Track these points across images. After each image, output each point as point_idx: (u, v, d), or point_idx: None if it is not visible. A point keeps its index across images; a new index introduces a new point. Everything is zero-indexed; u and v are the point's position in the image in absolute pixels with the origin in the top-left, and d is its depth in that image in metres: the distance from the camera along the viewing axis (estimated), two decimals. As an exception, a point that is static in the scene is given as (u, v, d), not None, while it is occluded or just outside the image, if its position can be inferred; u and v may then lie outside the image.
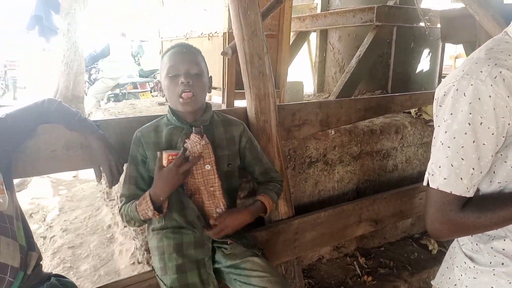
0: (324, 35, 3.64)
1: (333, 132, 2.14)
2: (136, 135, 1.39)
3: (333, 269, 2.23)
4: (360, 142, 2.23)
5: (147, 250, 1.84)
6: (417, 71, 3.25)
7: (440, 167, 0.84)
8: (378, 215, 2.12)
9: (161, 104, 3.16)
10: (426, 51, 3.25)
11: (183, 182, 1.31)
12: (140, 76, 7.43)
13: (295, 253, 1.89)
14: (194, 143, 1.33)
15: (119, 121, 1.52)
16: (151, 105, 3.20)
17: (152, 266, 1.44)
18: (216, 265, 1.42)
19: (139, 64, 7.78)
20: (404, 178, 2.48)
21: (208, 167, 1.36)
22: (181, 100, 1.31)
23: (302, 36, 3.87)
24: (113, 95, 6.68)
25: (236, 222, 1.38)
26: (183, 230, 1.37)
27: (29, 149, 1.32)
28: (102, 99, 6.66)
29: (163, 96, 3.37)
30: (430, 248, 2.44)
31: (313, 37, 4.04)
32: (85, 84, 6.68)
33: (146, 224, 1.44)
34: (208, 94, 1.71)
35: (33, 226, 3.24)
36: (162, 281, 1.35)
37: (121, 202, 1.37)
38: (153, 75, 7.62)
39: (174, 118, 1.38)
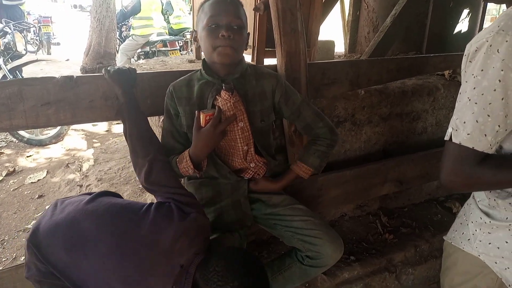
0: (358, -8, 3.51)
1: (363, 92, 2.13)
2: (169, 90, 1.39)
3: (355, 226, 2.29)
4: (390, 103, 2.21)
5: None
6: (455, 32, 3.11)
7: (464, 122, 0.84)
8: (404, 176, 2.14)
9: (191, 61, 3.19)
10: (465, 11, 3.09)
11: (222, 141, 1.33)
12: (170, 34, 7.43)
13: (318, 209, 1.96)
14: (225, 100, 1.32)
15: (152, 75, 1.56)
16: (182, 62, 3.24)
17: None
18: (255, 213, 1.50)
19: (168, 22, 7.75)
20: (433, 142, 2.46)
21: (241, 124, 1.36)
22: (218, 50, 1.27)
23: (336, -6, 3.74)
24: (143, 52, 6.74)
25: (266, 190, 1.47)
26: (219, 180, 1.44)
27: (69, 99, 1.39)
28: (133, 57, 6.74)
29: (199, 48, 3.40)
30: (454, 211, 2.45)
31: (347, -5, 3.91)
32: (117, 41, 6.77)
33: None
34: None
35: (69, 175, 3.45)
36: None
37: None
38: (182, 33, 7.60)
39: (206, 72, 1.36)
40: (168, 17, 7.87)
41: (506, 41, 0.77)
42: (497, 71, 0.78)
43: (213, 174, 1.44)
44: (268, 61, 2.42)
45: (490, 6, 3.23)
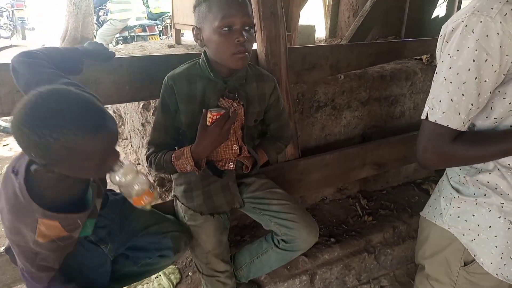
0: (339, -24, 3.51)
1: (342, 76, 2.15)
2: (168, 83, 1.29)
3: (335, 209, 2.34)
4: (369, 87, 2.24)
5: (161, 185, 1.95)
6: (433, 17, 3.16)
7: (440, 101, 0.87)
8: (382, 159, 2.19)
9: (170, 46, 3.15)
10: (443, -4, 3.14)
11: (224, 141, 1.30)
12: (149, 19, 7.29)
13: (300, 192, 1.99)
14: (228, 103, 1.31)
15: (131, 60, 1.53)
16: (161, 47, 3.20)
17: (175, 195, 1.54)
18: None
19: (147, 6, 7.60)
20: (411, 125, 2.52)
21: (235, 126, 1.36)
22: (234, 58, 1.19)
23: (316, -22, 3.74)
24: (121, 37, 6.62)
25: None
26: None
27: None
28: (111, 42, 6.60)
29: (178, 32, 3.34)
30: (430, 192, 2.52)
31: (328, -21, 3.90)
32: (94, 26, 6.60)
33: None
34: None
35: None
36: (188, 207, 1.46)
37: (149, 150, 1.37)
38: (161, 18, 7.46)
39: (209, 70, 1.28)
40: (147, 1, 7.72)
41: (481, 21, 0.79)
42: (472, 51, 0.80)
43: None
44: (249, 46, 2.42)
45: (468, -9, 3.28)
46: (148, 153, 1.37)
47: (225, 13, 1.14)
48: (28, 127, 0.80)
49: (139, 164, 2.65)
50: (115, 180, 0.99)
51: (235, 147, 1.40)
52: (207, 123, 1.21)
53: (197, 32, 1.25)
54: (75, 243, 1.08)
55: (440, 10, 3.18)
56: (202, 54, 1.31)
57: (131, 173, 1.01)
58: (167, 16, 7.15)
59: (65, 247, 1.04)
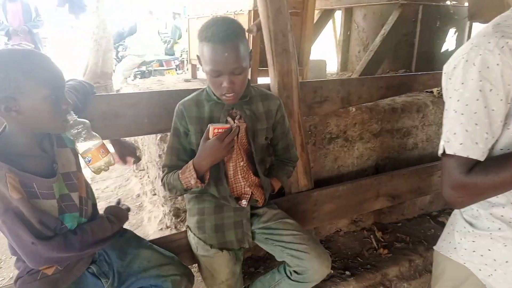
0: (349, 13, 3.63)
1: (354, 109, 2.19)
2: (179, 108, 1.40)
3: (350, 241, 2.32)
4: (380, 120, 2.27)
5: (176, 215, 1.98)
6: (442, 50, 3.22)
7: (455, 133, 0.87)
8: (396, 191, 2.18)
9: (187, 80, 3.26)
10: (452, 30, 3.21)
11: (227, 155, 1.34)
12: (166, 54, 7.56)
13: (313, 224, 1.99)
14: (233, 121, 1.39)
15: (150, 95, 1.61)
16: (178, 81, 3.31)
17: (188, 226, 1.56)
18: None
19: (165, 42, 7.88)
20: (424, 157, 2.52)
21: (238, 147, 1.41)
22: (223, 97, 1.31)
23: (327, 14, 3.87)
24: (139, 72, 6.85)
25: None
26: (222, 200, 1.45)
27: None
28: (129, 76, 6.83)
29: (194, 67, 3.46)
30: (447, 225, 2.48)
31: (338, 16, 4.03)
32: (113, 61, 6.86)
33: None
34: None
35: (67, 195, 3.45)
36: (200, 239, 1.48)
37: (163, 172, 1.42)
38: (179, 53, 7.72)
39: (214, 94, 1.36)
40: (169, 41, 7.96)
41: (480, 54, 0.83)
42: (476, 82, 0.84)
43: (214, 193, 1.46)
44: (262, 80, 2.50)
45: (476, 25, 3.35)
46: (162, 175, 1.43)
47: (213, 63, 1.24)
48: None
49: (155, 194, 2.69)
50: (71, 133, 1.13)
51: (241, 163, 1.42)
52: (210, 136, 1.28)
53: (199, 60, 1.35)
54: (54, 217, 1.11)
55: (449, 44, 3.24)
56: None
57: (85, 128, 1.14)
58: (184, 51, 7.39)
59: (41, 210, 1.07)
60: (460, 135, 0.86)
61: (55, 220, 1.11)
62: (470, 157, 0.86)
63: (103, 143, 1.18)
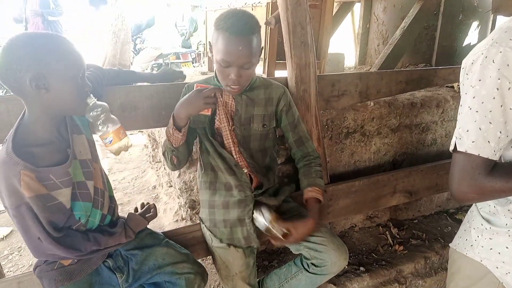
0: (368, 5, 3.57)
1: (372, 103, 2.16)
2: (185, 88, 1.48)
3: (365, 237, 2.30)
4: (399, 114, 2.23)
5: (191, 207, 1.99)
6: (464, 44, 3.14)
7: (468, 131, 0.87)
8: (413, 187, 2.15)
9: (203, 73, 3.27)
10: (475, 24, 3.12)
11: (205, 108, 1.33)
12: (183, 46, 7.59)
13: (329, 219, 1.98)
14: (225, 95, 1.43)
15: (167, 86, 1.61)
16: (194, 74, 3.32)
17: (200, 218, 1.58)
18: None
19: (182, 35, 7.92)
20: (442, 153, 2.47)
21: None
22: (227, 88, 1.35)
23: (346, 7, 3.81)
24: (156, 64, 6.90)
25: (306, 231, 1.40)
26: (232, 190, 1.46)
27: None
28: (147, 68, 6.89)
29: (211, 60, 3.47)
30: (465, 223, 2.44)
31: (357, 8, 3.97)
32: (131, 53, 6.93)
33: (198, 179, 1.56)
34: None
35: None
36: (212, 232, 1.50)
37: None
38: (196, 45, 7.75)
39: (217, 79, 1.42)
40: (186, 32, 8.01)
41: (500, 51, 0.81)
42: (494, 80, 0.82)
43: (229, 182, 1.46)
44: (279, 73, 2.48)
45: (501, 18, 3.25)
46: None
47: (225, 53, 1.26)
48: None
49: (171, 186, 2.72)
50: (90, 115, 1.16)
51: (240, 162, 1.45)
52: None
53: (210, 47, 1.37)
54: (64, 212, 1.13)
55: (472, 38, 3.15)
56: None
57: (104, 111, 1.18)
58: (201, 44, 7.41)
59: (53, 210, 1.09)
60: (472, 132, 0.86)
61: (64, 217, 1.13)
62: (480, 155, 0.85)
63: (122, 125, 1.23)
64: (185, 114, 1.31)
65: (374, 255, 2.15)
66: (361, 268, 2.02)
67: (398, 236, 2.32)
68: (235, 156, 1.46)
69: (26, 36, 1.05)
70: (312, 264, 1.45)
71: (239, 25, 1.24)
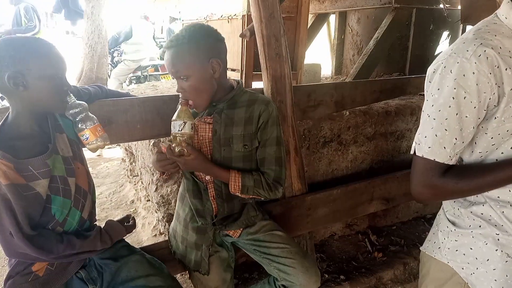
0: (343, 17, 3.65)
1: (347, 113, 2.20)
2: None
3: (344, 245, 2.32)
4: (374, 123, 2.28)
5: (169, 221, 1.97)
6: (436, 53, 3.24)
7: (425, 137, 0.92)
8: (390, 194, 2.18)
9: (181, 85, 3.25)
10: (445, 34, 3.23)
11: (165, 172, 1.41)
12: (161, 59, 7.55)
13: (308, 228, 1.98)
14: (200, 122, 1.40)
15: (143, 100, 1.60)
16: (172, 86, 3.31)
17: (168, 229, 1.58)
18: (237, 239, 1.52)
19: (160, 47, 7.89)
20: (418, 160, 2.52)
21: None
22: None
23: (321, 18, 3.88)
24: (134, 77, 6.84)
25: (199, 166, 1.35)
26: (194, 215, 1.46)
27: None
28: (125, 81, 6.82)
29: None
30: (442, 228, 2.49)
31: (333, 19, 4.05)
32: (108, 67, 6.85)
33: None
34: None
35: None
36: (170, 242, 1.52)
37: None
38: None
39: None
40: (160, 42, 8.01)
41: (457, 62, 0.86)
42: (451, 90, 0.87)
43: (191, 202, 1.46)
44: (256, 84, 2.50)
45: (469, 27, 3.37)
46: None
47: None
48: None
49: (149, 200, 2.68)
50: (70, 113, 1.22)
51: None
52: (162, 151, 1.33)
53: None
54: (40, 201, 1.13)
55: (443, 47, 3.26)
56: None
57: (83, 110, 1.24)
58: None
59: (29, 200, 1.10)
60: (429, 139, 0.91)
61: (40, 207, 1.13)
62: (436, 160, 0.91)
63: (99, 123, 1.28)
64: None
65: (354, 262, 2.17)
66: (341, 277, 2.03)
67: (377, 243, 2.34)
68: (204, 181, 1.44)
69: (7, 38, 1.11)
70: (283, 285, 1.43)
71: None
